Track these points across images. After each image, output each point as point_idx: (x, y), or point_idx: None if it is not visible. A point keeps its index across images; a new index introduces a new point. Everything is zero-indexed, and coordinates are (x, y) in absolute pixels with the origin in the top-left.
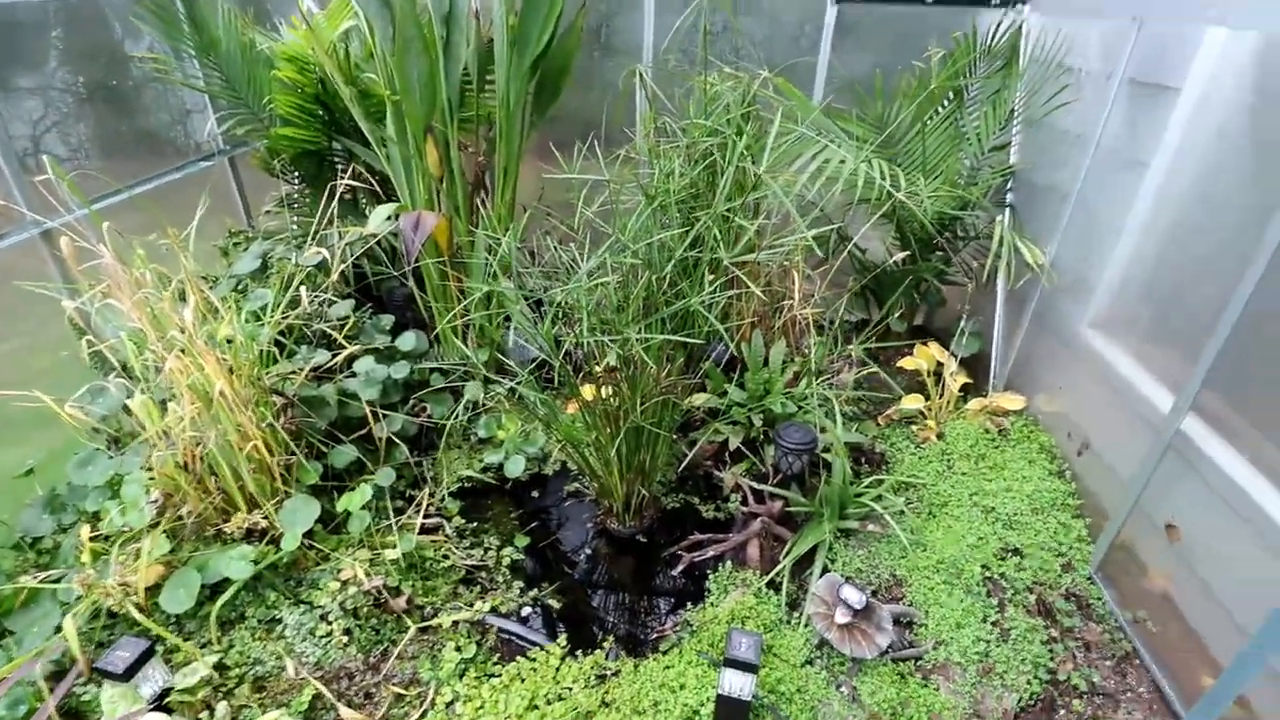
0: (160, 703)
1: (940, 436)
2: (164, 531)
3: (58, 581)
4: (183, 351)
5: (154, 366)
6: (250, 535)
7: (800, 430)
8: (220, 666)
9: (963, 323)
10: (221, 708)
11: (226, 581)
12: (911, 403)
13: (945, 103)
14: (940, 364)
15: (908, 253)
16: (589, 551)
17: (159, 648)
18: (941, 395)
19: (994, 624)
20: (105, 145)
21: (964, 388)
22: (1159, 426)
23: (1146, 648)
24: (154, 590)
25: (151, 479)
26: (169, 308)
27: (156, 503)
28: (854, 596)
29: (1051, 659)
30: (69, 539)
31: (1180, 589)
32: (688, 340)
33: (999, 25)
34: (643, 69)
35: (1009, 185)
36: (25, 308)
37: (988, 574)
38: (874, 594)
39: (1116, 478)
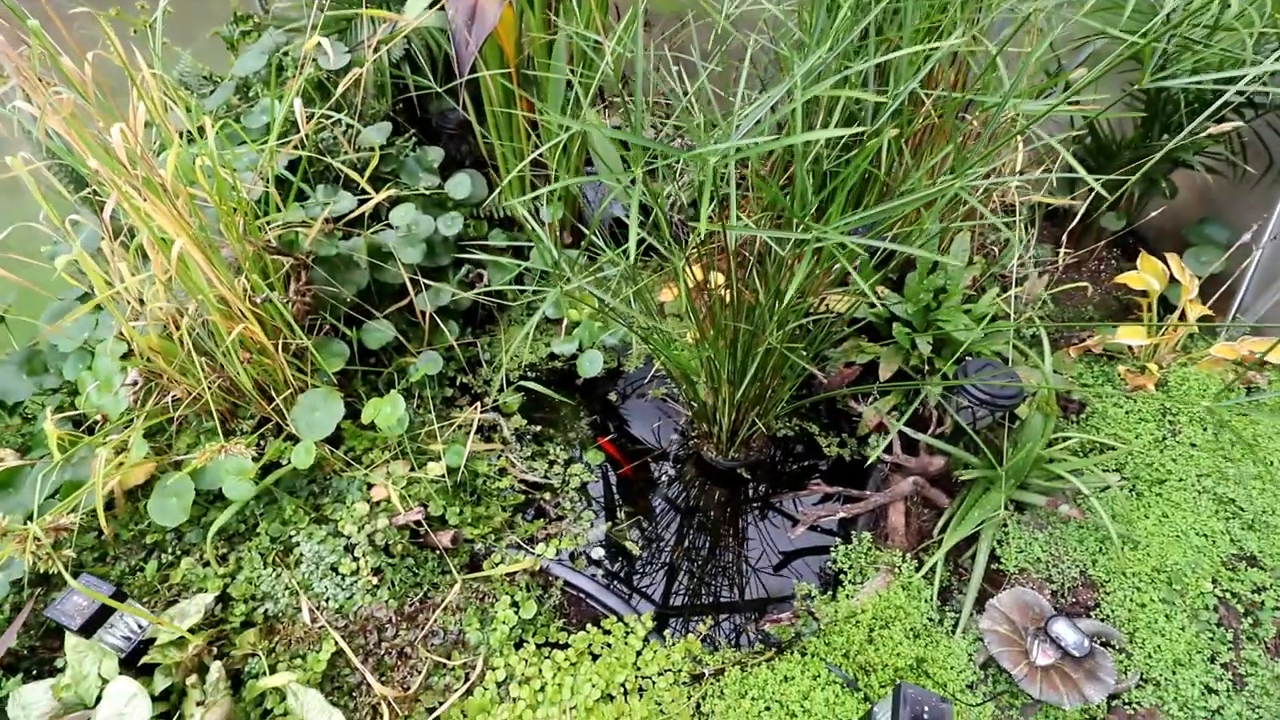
0: (138, 659)
1: (1160, 386)
2: (149, 421)
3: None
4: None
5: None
6: (262, 425)
7: (1003, 375)
8: (223, 598)
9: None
10: (215, 669)
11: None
12: (1131, 335)
13: None
14: (1169, 284)
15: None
16: (677, 483)
17: (128, 592)
18: (1165, 330)
19: (1224, 665)
20: None
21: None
22: None
23: None
24: (145, 490)
25: (128, 354)
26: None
27: (134, 384)
28: (1072, 639)
29: None
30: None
31: None
32: (898, 247)
33: None
34: None
35: None
36: None
37: (1217, 591)
38: (1052, 595)
39: None
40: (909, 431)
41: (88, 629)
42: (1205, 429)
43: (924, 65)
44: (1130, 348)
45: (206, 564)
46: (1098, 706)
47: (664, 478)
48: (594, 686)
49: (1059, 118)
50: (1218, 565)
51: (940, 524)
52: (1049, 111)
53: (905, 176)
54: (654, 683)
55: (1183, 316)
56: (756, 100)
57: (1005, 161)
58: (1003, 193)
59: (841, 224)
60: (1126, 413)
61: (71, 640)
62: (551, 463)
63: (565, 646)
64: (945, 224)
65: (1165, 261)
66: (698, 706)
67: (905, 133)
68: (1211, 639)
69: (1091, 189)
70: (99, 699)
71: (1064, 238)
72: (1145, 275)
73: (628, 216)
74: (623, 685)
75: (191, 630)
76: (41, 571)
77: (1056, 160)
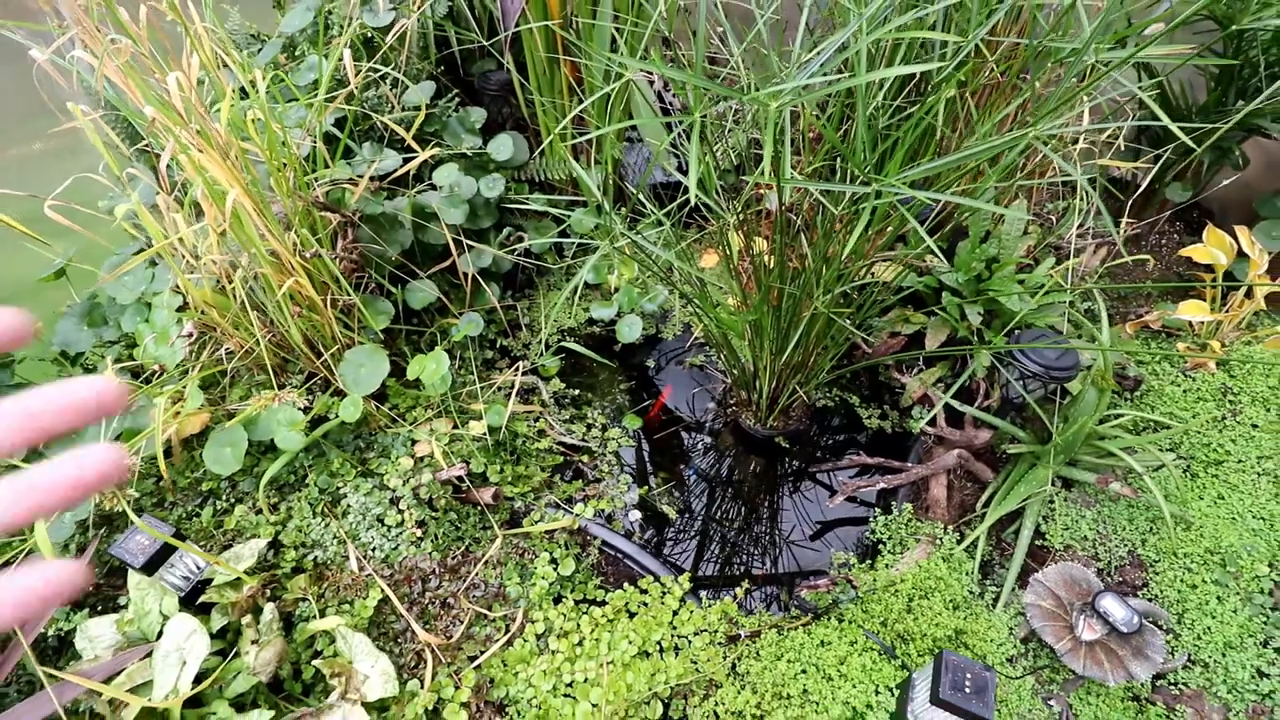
0: (196, 598)
1: (1222, 365)
2: (204, 373)
3: None
4: (202, 138)
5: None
6: (311, 379)
7: (1058, 346)
8: (275, 544)
9: None
10: (269, 611)
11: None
12: (1192, 310)
13: None
14: (1236, 259)
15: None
16: (714, 450)
17: (185, 535)
18: (1227, 305)
19: (1278, 650)
20: None
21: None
22: None
23: None
24: (200, 439)
25: (184, 306)
26: (159, 69)
27: (190, 336)
28: (1120, 614)
29: None
30: (110, 359)
31: None
32: (965, 201)
33: None
34: None
35: None
36: None
37: (1274, 575)
38: (1098, 574)
39: None
40: (955, 403)
41: (149, 567)
42: (1268, 410)
43: (995, 9)
44: (1191, 324)
45: (259, 512)
46: (1142, 685)
47: (702, 444)
48: (631, 643)
49: (1124, 83)
50: (1275, 549)
51: (984, 498)
52: (1133, 55)
53: (970, 132)
54: (690, 642)
55: (1249, 293)
56: (815, 49)
57: (1068, 121)
58: (1062, 158)
59: (903, 177)
60: (1184, 391)
61: (134, 578)
62: (589, 426)
63: (603, 604)
64: (1010, 182)
65: (1234, 235)
66: (733, 666)
67: (971, 85)
68: (1265, 623)
69: (1156, 157)
70: (160, 634)
71: (1126, 207)
72: (1211, 248)
73: (674, 177)
74: (659, 643)
75: (246, 573)
76: (105, 513)
77: (1121, 130)
